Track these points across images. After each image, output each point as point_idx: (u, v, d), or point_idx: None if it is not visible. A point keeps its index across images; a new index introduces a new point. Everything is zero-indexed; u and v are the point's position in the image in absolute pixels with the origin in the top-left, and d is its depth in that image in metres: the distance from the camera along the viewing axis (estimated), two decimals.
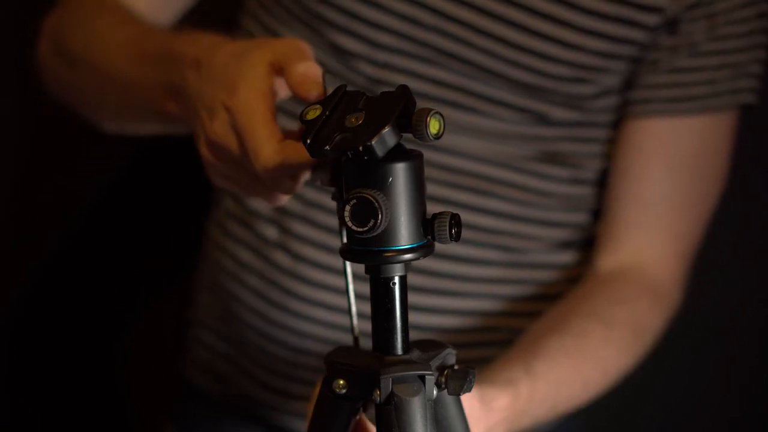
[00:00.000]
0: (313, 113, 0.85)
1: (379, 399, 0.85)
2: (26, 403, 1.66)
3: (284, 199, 0.97)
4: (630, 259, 1.24)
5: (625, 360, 1.20)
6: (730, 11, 1.21)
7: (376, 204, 0.82)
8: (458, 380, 0.87)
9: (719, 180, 1.27)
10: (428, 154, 0.87)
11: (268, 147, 0.91)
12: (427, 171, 0.87)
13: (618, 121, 1.25)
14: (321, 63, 1.20)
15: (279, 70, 0.96)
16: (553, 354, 1.13)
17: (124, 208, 1.61)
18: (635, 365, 1.23)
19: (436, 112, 0.82)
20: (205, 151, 0.99)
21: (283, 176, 0.92)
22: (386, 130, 0.81)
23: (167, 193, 1.52)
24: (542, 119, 1.22)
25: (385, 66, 1.20)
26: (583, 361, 1.16)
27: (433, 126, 0.82)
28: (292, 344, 1.26)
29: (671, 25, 1.20)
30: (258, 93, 0.95)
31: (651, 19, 1.18)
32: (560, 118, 1.22)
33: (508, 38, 1.17)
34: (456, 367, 0.88)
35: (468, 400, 0.92)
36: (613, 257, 1.25)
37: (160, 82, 1.08)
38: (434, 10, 1.18)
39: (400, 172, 0.83)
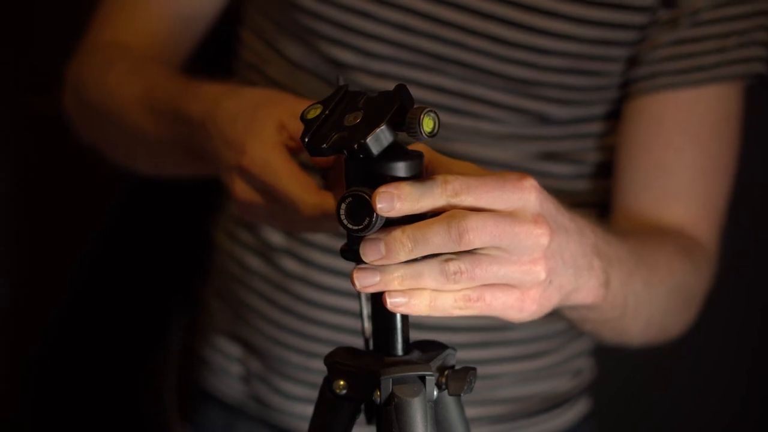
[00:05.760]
0: (314, 112, 0.85)
1: (379, 400, 0.85)
2: (37, 409, 1.66)
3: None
4: (666, 222, 1.20)
5: (680, 275, 1.14)
6: None
7: (371, 202, 0.82)
8: (458, 381, 0.86)
9: (736, 148, 1.23)
10: None
11: (309, 200, 0.94)
12: None
13: (627, 102, 1.22)
14: (317, 76, 1.21)
15: (282, 127, 0.97)
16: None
17: (131, 214, 1.62)
18: (679, 308, 1.17)
19: (431, 111, 0.82)
20: (239, 205, 1.01)
21: (327, 220, 0.94)
22: (381, 128, 0.81)
23: (173, 197, 1.53)
24: (540, 119, 1.21)
25: (382, 76, 1.19)
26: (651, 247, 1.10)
27: (427, 124, 0.82)
28: (302, 348, 1.26)
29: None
30: (273, 147, 0.96)
31: (647, 1, 1.17)
32: (558, 117, 1.21)
33: (501, 36, 1.16)
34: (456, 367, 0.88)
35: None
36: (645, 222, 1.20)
37: (178, 141, 1.10)
38: (426, 16, 1.17)
39: (396, 170, 0.83)
